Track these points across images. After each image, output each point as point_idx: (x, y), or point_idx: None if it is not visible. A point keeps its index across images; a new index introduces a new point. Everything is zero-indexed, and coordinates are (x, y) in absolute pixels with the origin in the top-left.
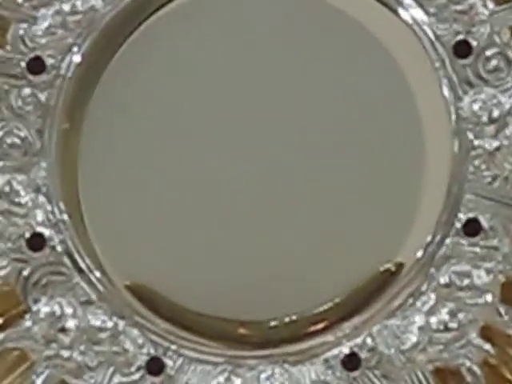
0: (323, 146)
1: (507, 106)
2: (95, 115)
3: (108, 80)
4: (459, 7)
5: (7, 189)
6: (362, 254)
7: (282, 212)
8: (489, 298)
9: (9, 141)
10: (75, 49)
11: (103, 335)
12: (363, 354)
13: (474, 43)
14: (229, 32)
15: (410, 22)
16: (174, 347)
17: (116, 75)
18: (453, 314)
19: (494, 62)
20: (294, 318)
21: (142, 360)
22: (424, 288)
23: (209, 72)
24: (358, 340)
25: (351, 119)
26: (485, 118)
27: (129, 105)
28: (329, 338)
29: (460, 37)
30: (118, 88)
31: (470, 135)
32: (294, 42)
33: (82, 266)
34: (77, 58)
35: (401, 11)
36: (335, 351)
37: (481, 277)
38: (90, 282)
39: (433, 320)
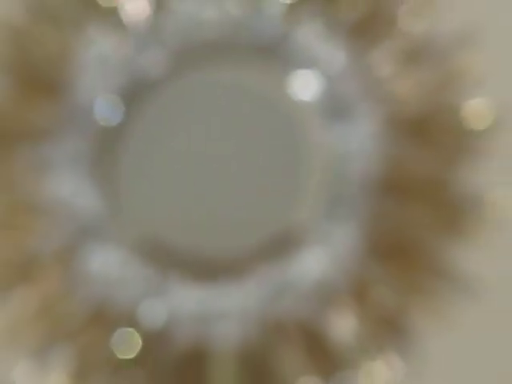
0: (243, 158)
1: (360, 131)
2: (124, 139)
3: (134, 118)
4: (329, 72)
5: (66, 181)
6: (277, 220)
7: (227, 190)
8: (352, 246)
9: (68, 153)
10: (113, 103)
11: (128, 270)
12: (277, 283)
13: (338, 94)
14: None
15: (300, 83)
16: (170, 277)
17: (138, 115)
18: (331, 258)
19: (350, 107)
20: (237, 259)
21: (149, 285)
22: (314, 240)
23: (194, 129)
24: (275, 274)
25: (264, 147)
26: (345, 139)
27: (144, 132)
28: (257, 273)
29: (330, 90)
30: (137, 123)
31: (338, 149)
32: (233, 115)
33: (114, 228)
34: (111, 108)
35: (293, 76)
36: (261, 280)
37: (347, 232)
38: (118, 238)
39: (318, 261)
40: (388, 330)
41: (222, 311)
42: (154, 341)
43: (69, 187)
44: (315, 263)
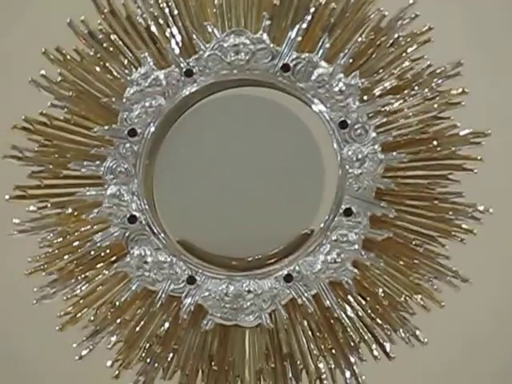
0: (266, 173)
1: (366, 152)
2: (162, 156)
3: (168, 140)
4: (342, 104)
5: (117, 193)
6: (294, 225)
7: (251, 200)
8: (356, 246)
9: (118, 169)
10: (152, 124)
11: (166, 265)
12: (294, 274)
13: (349, 121)
14: (227, 124)
15: (317, 111)
16: (200, 271)
17: (172, 138)
18: (338, 255)
19: (358, 131)
20: (259, 256)
21: (184, 277)
22: (324, 241)
23: (220, 140)
24: (291, 267)
25: (282, 162)
26: (354, 158)
27: (180, 151)
28: (276, 266)
29: (342, 118)
30: (174, 143)
31: (347, 166)
32: (254, 128)
33: (155, 230)
34: (152, 129)
35: (313, 106)
36: (280, 273)
37: (352, 236)
38: (158, 239)
39: (328, 258)
40: (391, 313)
41: (246, 294)
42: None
43: (113, 196)
44: (326, 258)
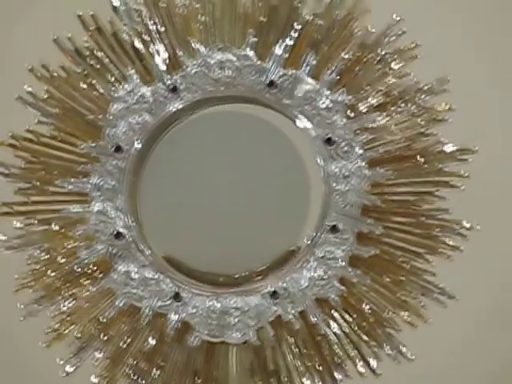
0: (252, 189)
1: (352, 168)
2: (148, 172)
3: (154, 156)
4: (328, 120)
5: (103, 210)
6: (280, 242)
7: (238, 216)
8: (343, 263)
9: (105, 186)
10: (137, 141)
11: (152, 282)
12: (280, 291)
13: (335, 138)
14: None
15: (302, 127)
16: (187, 288)
17: (158, 154)
18: (325, 272)
19: (344, 148)
20: (246, 273)
21: (171, 293)
22: (310, 258)
23: (206, 154)
24: (278, 284)
25: (269, 177)
26: (340, 175)
27: (166, 167)
28: (263, 283)
29: (328, 135)
30: (160, 160)
31: (333, 183)
32: (240, 144)
33: (140, 247)
34: (138, 145)
35: (298, 122)
36: (266, 290)
37: (339, 253)
38: (144, 255)
39: (315, 274)
40: (377, 329)
41: (233, 311)
42: (174, 335)
43: (100, 213)
44: (312, 274)
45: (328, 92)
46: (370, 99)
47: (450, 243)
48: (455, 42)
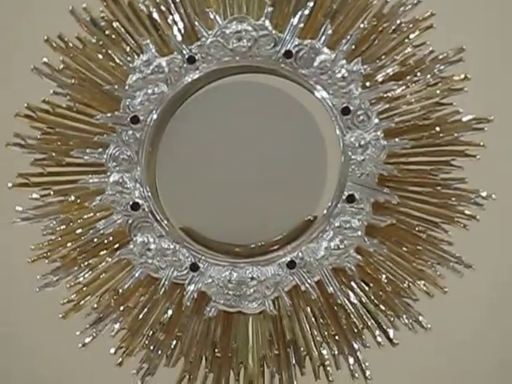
0: (269, 159)
1: (368, 138)
2: (164, 143)
3: (170, 127)
4: (344, 90)
5: (119, 180)
6: (297, 212)
7: (254, 186)
8: (359, 233)
9: (121, 156)
10: (154, 111)
11: (169, 252)
12: (297, 261)
13: (351, 108)
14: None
15: (320, 97)
16: (203, 258)
17: (175, 125)
18: (341, 241)
19: (361, 117)
20: (262, 242)
21: (188, 264)
22: (327, 228)
23: (221, 125)
24: (294, 254)
25: (284, 147)
26: (357, 145)
27: (183, 138)
28: (280, 253)
29: (344, 104)
30: (177, 130)
31: (349, 153)
32: (257, 114)
33: (158, 217)
34: (155, 116)
35: (315, 92)
36: (283, 259)
37: (355, 222)
38: (161, 226)
39: (332, 244)
40: (394, 299)
41: (249, 281)
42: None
43: (116, 183)
44: (329, 244)
45: (344, 61)
46: (385, 69)
47: (467, 212)
48: (472, 10)
